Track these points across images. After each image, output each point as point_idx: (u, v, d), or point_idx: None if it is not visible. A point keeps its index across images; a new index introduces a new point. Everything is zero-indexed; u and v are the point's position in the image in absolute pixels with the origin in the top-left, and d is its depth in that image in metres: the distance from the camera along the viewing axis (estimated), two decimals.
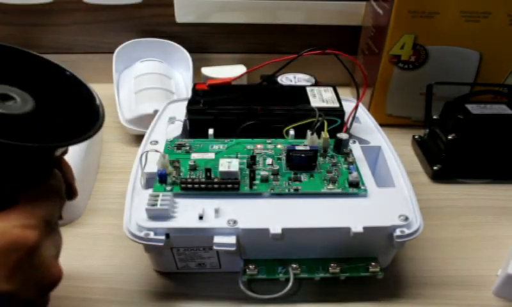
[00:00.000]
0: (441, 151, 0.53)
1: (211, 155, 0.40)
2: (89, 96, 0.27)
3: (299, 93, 0.50)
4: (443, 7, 0.54)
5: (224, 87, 0.50)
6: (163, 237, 0.33)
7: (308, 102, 0.47)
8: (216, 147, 0.41)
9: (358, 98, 0.45)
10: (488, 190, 0.51)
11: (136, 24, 0.71)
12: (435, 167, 0.52)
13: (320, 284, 0.37)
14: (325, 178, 0.38)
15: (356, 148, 0.43)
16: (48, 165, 0.27)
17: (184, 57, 0.69)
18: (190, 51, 0.69)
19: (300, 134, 0.43)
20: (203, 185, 0.36)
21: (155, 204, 0.33)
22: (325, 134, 0.41)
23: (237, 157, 0.40)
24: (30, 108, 0.24)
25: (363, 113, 0.51)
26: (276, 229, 0.33)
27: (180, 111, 0.49)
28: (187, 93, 0.65)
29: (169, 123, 0.47)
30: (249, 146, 0.42)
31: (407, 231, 0.33)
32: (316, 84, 0.61)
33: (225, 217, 0.34)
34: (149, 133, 0.45)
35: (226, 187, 0.36)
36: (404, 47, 0.57)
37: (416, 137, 0.60)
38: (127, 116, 0.58)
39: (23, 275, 0.22)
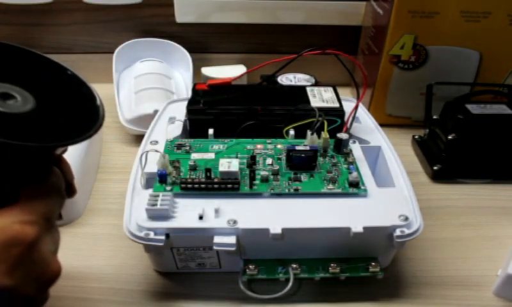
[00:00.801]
0: (441, 151, 0.53)
1: (211, 155, 0.40)
2: (89, 95, 0.27)
3: (299, 93, 0.50)
4: (443, 7, 0.54)
5: (224, 87, 0.50)
6: (163, 237, 0.33)
7: (308, 102, 0.47)
8: (216, 147, 0.41)
9: (358, 98, 0.45)
10: (488, 190, 0.51)
11: (135, 24, 0.71)
12: (435, 167, 0.52)
13: (320, 284, 0.37)
14: (325, 178, 0.38)
15: (356, 148, 0.43)
16: (48, 163, 0.27)
17: (184, 57, 0.69)
18: (190, 51, 0.69)
19: (300, 134, 0.43)
20: (203, 185, 0.36)
21: (155, 204, 0.33)
22: (325, 134, 0.41)
23: (237, 157, 0.40)
24: (31, 107, 0.24)
25: (363, 113, 0.51)
26: (276, 229, 0.33)
27: (180, 111, 0.49)
28: (187, 93, 0.65)
29: (169, 123, 0.47)
30: (249, 146, 0.42)
31: (407, 231, 0.33)
32: (316, 84, 0.61)
33: (225, 217, 0.34)
34: (149, 133, 0.45)
35: (226, 187, 0.36)
36: (404, 47, 0.57)
37: (416, 137, 0.60)
38: (127, 116, 0.58)
39: (23, 270, 0.23)
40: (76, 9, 0.69)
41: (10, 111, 0.23)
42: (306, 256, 0.36)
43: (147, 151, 0.39)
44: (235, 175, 0.36)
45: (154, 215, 0.34)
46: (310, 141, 0.40)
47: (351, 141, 0.43)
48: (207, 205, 0.35)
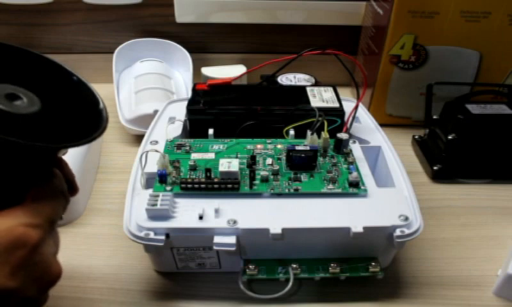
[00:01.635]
0: (441, 151, 0.53)
1: (211, 155, 0.40)
2: (93, 98, 0.28)
3: (299, 93, 0.50)
4: (443, 7, 0.54)
5: (224, 87, 0.50)
6: (163, 237, 0.33)
7: (308, 102, 0.47)
8: (216, 147, 0.41)
9: (358, 98, 0.45)
10: (488, 190, 0.51)
11: (135, 24, 0.71)
12: (435, 167, 0.52)
13: (320, 284, 0.37)
14: (325, 178, 0.38)
15: (356, 148, 0.43)
16: (51, 165, 0.27)
17: (184, 57, 0.69)
18: (190, 51, 0.69)
19: (300, 134, 0.43)
20: (203, 185, 0.36)
21: (155, 204, 0.33)
22: (325, 134, 0.41)
23: (237, 157, 0.40)
24: (37, 108, 0.24)
25: (363, 113, 0.51)
26: (276, 229, 0.33)
27: (180, 111, 0.49)
28: (187, 93, 0.65)
29: (169, 123, 0.47)
30: (249, 146, 0.42)
31: (407, 231, 0.33)
32: (316, 84, 0.61)
33: (225, 217, 0.34)
34: (149, 133, 0.45)
35: (226, 187, 0.36)
36: (404, 47, 0.57)
37: (416, 137, 0.60)
38: (127, 116, 0.58)
39: (26, 273, 0.23)
40: (76, 9, 0.69)
41: (17, 112, 0.23)
42: (306, 256, 0.36)
43: (147, 151, 0.39)
44: (235, 175, 0.36)
45: (154, 215, 0.34)
46: (310, 141, 0.40)
47: (351, 141, 0.43)
48: (207, 205, 0.35)
